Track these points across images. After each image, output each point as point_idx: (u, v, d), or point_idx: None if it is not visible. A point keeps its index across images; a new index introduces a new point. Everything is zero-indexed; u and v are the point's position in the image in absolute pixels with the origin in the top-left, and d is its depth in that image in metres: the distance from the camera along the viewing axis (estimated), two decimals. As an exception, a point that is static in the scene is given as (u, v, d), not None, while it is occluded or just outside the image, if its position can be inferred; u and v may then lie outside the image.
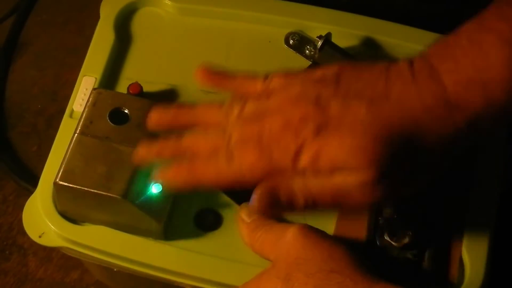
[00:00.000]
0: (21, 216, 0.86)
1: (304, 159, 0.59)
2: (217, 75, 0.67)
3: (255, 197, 0.61)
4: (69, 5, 1.02)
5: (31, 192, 0.73)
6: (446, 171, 0.62)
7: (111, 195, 0.65)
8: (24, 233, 0.85)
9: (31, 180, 0.88)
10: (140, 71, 0.76)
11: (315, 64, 0.73)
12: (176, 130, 0.66)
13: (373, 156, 0.58)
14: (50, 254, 0.88)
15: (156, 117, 0.67)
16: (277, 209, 0.61)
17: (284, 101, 0.61)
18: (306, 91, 0.61)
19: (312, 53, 0.76)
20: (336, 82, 0.61)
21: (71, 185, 0.66)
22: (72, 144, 0.67)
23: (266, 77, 0.65)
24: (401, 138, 0.58)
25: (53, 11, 1.02)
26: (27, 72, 0.98)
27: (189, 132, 0.65)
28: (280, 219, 0.68)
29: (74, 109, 0.74)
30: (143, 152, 0.66)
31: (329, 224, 0.69)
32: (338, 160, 0.58)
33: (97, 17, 0.98)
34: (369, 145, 0.58)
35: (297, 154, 0.59)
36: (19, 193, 0.91)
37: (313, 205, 0.61)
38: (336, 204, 0.61)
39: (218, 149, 0.62)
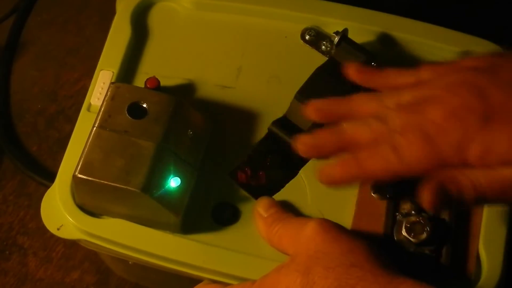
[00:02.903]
0: (21, 215, 0.87)
1: (473, 152, 0.58)
2: (367, 71, 0.66)
3: (427, 193, 0.59)
4: (69, 5, 1.02)
5: (47, 187, 0.73)
6: None
7: (130, 188, 0.66)
8: (24, 233, 0.87)
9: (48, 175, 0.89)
10: (157, 65, 0.76)
11: (331, 60, 0.74)
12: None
13: None
14: (50, 254, 0.88)
15: (316, 106, 0.65)
16: (447, 204, 0.60)
17: (443, 89, 0.60)
18: (464, 80, 0.60)
19: (328, 48, 0.76)
20: (492, 71, 0.60)
21: (90, 178, 0.66)
22: (90, 138, 0.68)
23: (415, 69, 0.64)
24: None
25: (53, 11, 1.02)
26: (27, 72, 0.98)
27: (348, 123, 0.63)
28: (296, 214, 0.69)
29: (92, 102, 0.74)
30: (302, 147, 0.64)
31: (346, 219, 0.69)
32: (509, 154, 0.57)
33: (97, 17, 0.99)
34: None
35: (465, 146, 0.58)
36: (19, 193, 0.91)
37: (483, 199, 0.59)
38: (505, 197, 0.59)
39: (382, 140, 0.60)
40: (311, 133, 0.64)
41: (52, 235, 0.85)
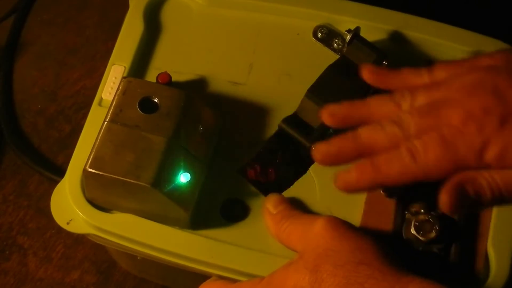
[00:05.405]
0: (21, 215, 0.87)
1: (491, 154, 0.57)
2: (381, 73, 0.66)
3: (444, 195, 0.59)
4: (69, 5, 1.03)
5: (55, 182, 0.73)
6: None
7: (140, 183, 0.66)
8: (24, 233, 0.87)
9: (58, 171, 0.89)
10: (169, 61, 0.77)
11: (343, 58, 0.74)
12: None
13: None
14: (50, 254, 0.89)
15: (330, 111, 0.65)
16: (465, 206, 0.59)
17: (459, 90, 0.60)
18: (481, 80, 0.59)
19: (340, 46, 0.77)
20: (509, 70, 0.59)
21: (100, 173, 0.67)
22: (102, 132, 0.68)
23: (430, 68, 0.63)
24: None
25: (53, 11, 1.02)
26: (27, 72, 0.98)
27: (364, 128, 0.63)
28: (305, 211, 0.69)
29: (103, 97, 0.75)
30: (320, 156, 0.64)
31: (355, 217, 0.70)
32: None
33: (97, 17, 0.99)
34: None
35: (483, 148, 0.58)
36: (19, 193, 0.91)
37: (500, 199, 0.59)
38: None
39: (399, 144, 0.60)
40: (327, 141, 0.64)
41: (52, 235, 0.87)
